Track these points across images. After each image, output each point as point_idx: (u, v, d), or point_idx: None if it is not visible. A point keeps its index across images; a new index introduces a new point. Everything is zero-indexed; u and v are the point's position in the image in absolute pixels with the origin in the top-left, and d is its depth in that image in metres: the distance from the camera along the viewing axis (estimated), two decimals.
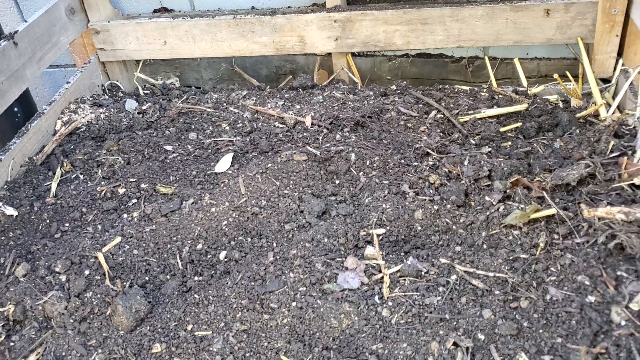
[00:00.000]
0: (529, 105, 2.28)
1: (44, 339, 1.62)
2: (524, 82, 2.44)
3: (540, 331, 1.49)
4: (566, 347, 1.44)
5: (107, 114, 2.34)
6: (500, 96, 2.36)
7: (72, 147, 2.24)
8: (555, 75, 2.26)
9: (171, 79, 2.70)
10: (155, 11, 2.69)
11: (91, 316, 1.65)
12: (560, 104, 2.32)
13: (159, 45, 2.54)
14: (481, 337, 1.50)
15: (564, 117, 2.18)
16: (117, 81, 2.67)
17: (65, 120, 2.31)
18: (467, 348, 1.48)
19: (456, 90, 2.42)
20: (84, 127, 2.29)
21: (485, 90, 2.42)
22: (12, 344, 1.62)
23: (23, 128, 2.17)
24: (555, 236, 1.70)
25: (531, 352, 1.45)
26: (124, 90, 2.67)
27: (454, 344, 1.49)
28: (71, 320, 1.64)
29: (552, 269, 1.62)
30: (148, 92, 2.64)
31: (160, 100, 2.45)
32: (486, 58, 2.53)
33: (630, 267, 1.55)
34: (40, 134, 2.23)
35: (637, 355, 1.38)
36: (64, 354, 1.59)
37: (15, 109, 2.60)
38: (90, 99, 2.47)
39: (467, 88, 2.43)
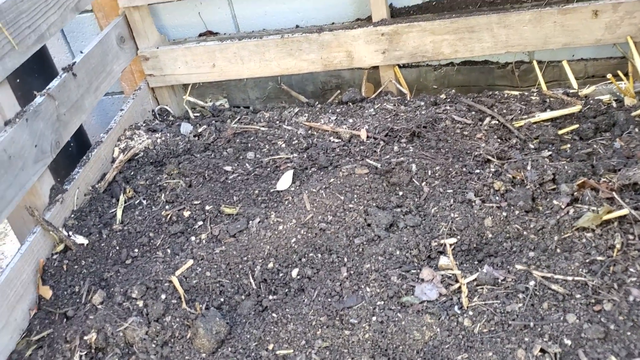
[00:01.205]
0: (582, 107, 2.27)
1: None
2: (574, 83, 2.43)
3: (629, 333, 1.47)
4: None
5: (163, 138, 2.37)
6: (551, 99, 2.35)
7: (132, 173, 2.27)
8: (609, 75, 2.25)
9: (220, 100, 2.74)
10: (200, 35, 2.73)
11: (172, 340, 1.67)
12: (614, 104, 2.30)
13: (208, 68, 2.57)
14: (568, 342, 1.49)
15: (621, 117, 2.16)
16: (167, 105, 2.71)
17: (122, 147, 2.35)
18: (555, 354, 1.46)
19: (506, 95, 2.42)
20: (142, 153, 2.33)
21: (535, 94, 2.41)
22: None
23: (84, 157, 2.21)
24: (631, 237, 1.68)
25: (621, 355, 1.43)
26: (174, 114, 2.71)
27: (541, 350, 1.48)
28: (153, 345, 1.65)
29: (631, 269, 1.60)
30: (198, 114, 2.68)
31: (214, 122, 2.48)
32: (534, 62, 2.52)
33: None
34: (100, 162, 2.27)
35: None
36: None
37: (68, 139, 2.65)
38: (144, 124, 2.51)
39: (516, 93, 2.43)
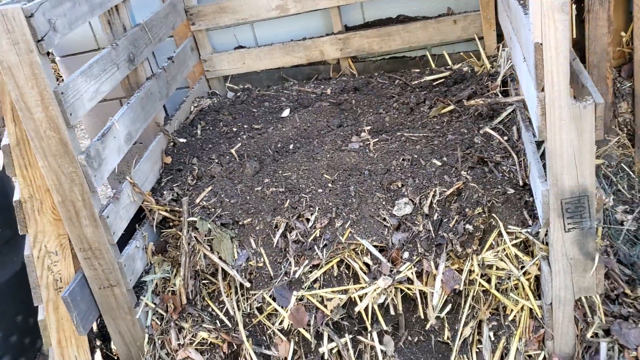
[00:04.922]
0: (451, 73, 4.11)
1: (211, 182, 3.41)
2: (450, 63, 4.28)
3: (443, 150, 3.25)
4: (455, 154, 3.20)
5: (217, 100, 4.23)
6: (435, 71, 4.20)
7: (202, 116, 4.10)
8: (464, 55, 4.12)
9: (247, 85, 4.59)
10: (235, 48, 4.62)
11: (234, 172, 3.44)
12: (470, 71, 4.14)
13: (240, 65, 4.45)
14: (415, 156, 3.26)
15: (469, 75, 4.00)
16: (216, 90, 4.57)
17: (195, 105, 4.20)
18: (409, 159, 3.24)
19: (411, 71, 4.28)
20: (207, 107, 4.17)
21: (427, 70, 4.27)
22: (197, 185, 3.41)
23: (178, 106, 4.05)
24: (454, 117, 3.49)
25: (437, 158, 3.21)
26: (220, 94, 4.56)
27: (403, 159, 3.26)
28: (224, 174, 3.43)
29: (451, 130, 3.40)
30: (233, 93, 4.54)
31: (246, 92, 4.34)
32: (428, 54, 4.39)
33: (483, 121, 3.35)
34: (184, 112, 4.10)
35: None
36: (224, 188, 3.37)
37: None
38: (206, 95, 4.37)
39: (418, 70, 4.28)
